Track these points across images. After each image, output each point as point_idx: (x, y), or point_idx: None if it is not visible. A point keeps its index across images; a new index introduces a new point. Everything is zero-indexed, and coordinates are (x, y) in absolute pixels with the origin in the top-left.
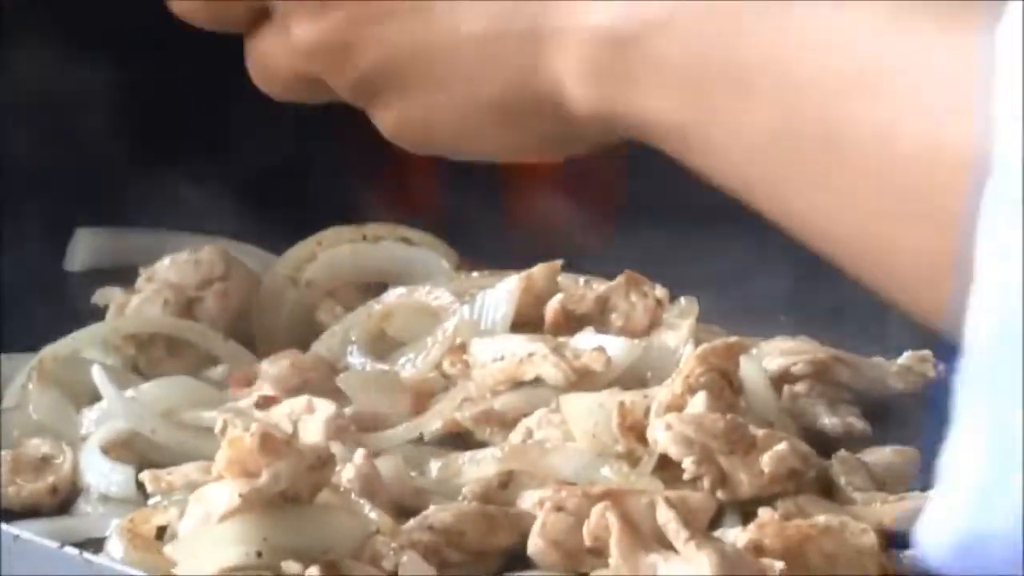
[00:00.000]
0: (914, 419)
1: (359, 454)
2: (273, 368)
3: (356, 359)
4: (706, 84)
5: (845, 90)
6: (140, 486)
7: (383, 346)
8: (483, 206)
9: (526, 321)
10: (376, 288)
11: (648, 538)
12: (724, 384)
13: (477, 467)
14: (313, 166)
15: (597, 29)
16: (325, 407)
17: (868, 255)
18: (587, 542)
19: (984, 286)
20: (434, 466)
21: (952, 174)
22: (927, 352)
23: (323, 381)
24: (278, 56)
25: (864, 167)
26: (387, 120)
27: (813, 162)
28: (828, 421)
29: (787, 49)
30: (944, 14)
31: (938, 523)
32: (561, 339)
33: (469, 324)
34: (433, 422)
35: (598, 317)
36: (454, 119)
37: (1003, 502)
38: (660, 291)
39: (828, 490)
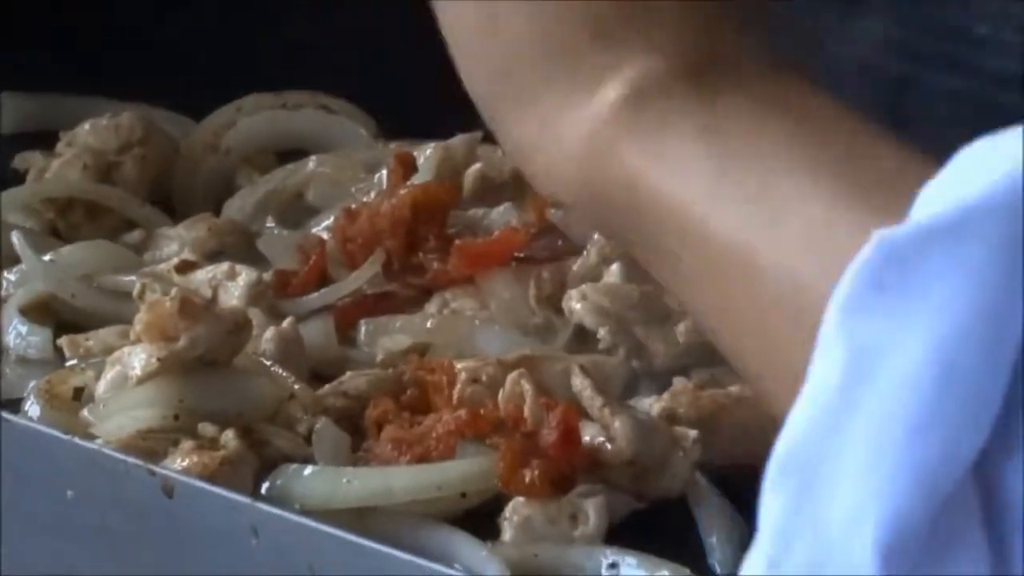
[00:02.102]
0: None
1: (288, 320)
2: (190, 232)
3: (272, 224)
4: (699, 167)
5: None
6: (58, 348)
7: (299, 213)
8: (404, 76)
9: None
10: (295, 156)
11: None
12: None
13: (394, 339)
14: (235, 34)
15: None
16: (247, 273)
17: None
18: (501, 411)
19: (810, 384)
20: (364, 329)
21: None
22: None
23: (240, 245)
24: None
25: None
26: None
27: (732, 264)
28: None
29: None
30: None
31: None
32: (479, 211)
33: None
34: (351, 285)
35: (516, 186)
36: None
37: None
38: None
39: None
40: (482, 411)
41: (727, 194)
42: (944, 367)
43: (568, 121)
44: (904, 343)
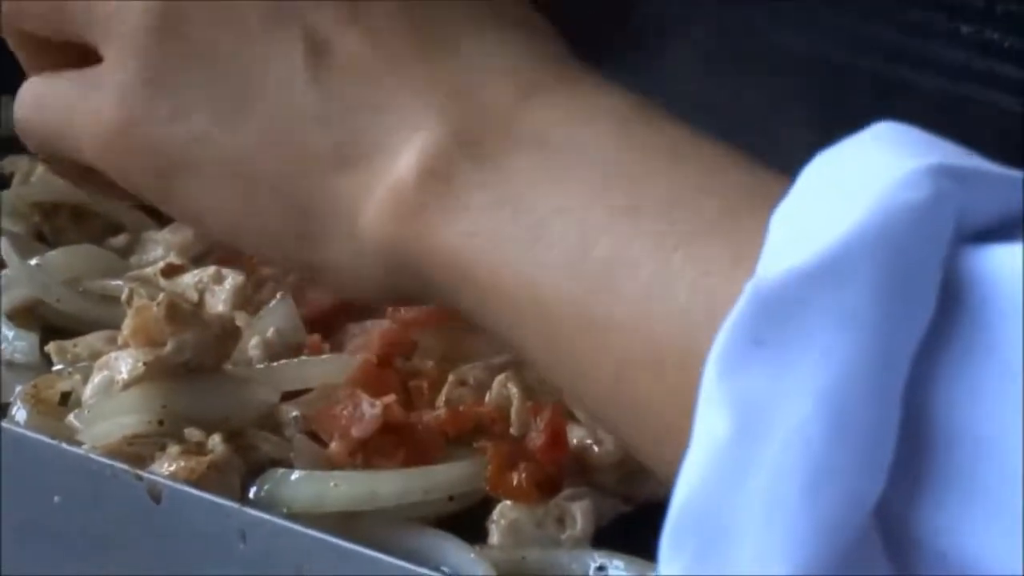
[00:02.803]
0: None
1: (272, 330)
2: (176, 236)
3: None
4: (499, 223)
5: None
6: (45, 353)
7: None
8: None
9: None
10: None
11: None
12: None
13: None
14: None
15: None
16: (234, 277)
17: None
18: (490, 412)
19: (695, 444)
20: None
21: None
22: None
23: (227, 248)
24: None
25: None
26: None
27: (575, 328)
28: None
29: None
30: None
31: None
32: None
33: None
34: None
35: None
36: (228, 225)
37: None
38: None
39: None
40: (461, 407)
41: (547, 261)
42: (833, 418)
43: (364, 226)
44: (790, 398)
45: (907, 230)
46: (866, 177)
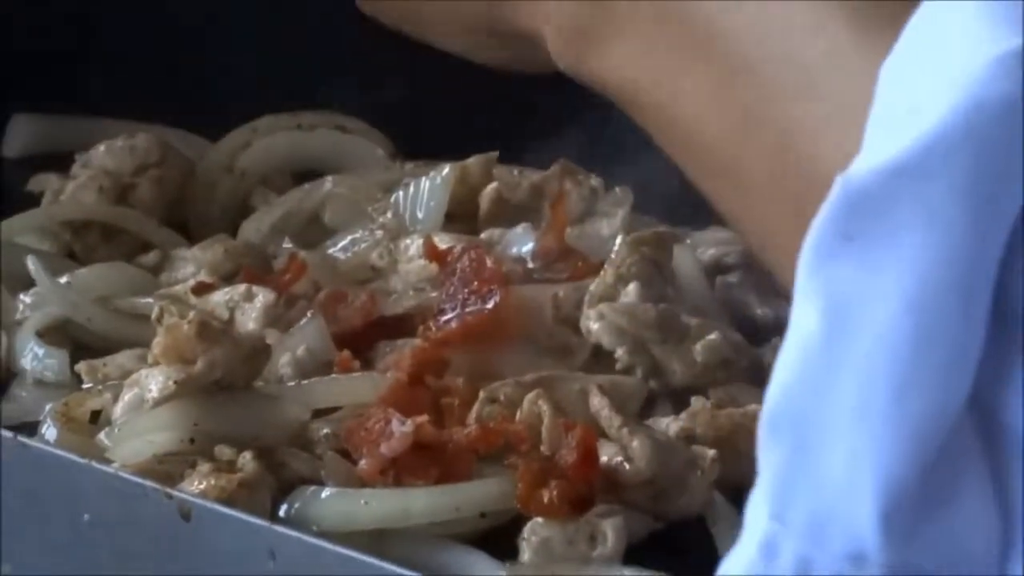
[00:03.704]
0: None
1: (302, 348)
2: (206, 254)
3: (289, 245)
4: (660, 50)
5: (776, 85)
6: (75, 371)
7: (315, 234)
8: (420, 96)
9: (461, 211)
10: (311, 177)
11: None
12: (656, 274)
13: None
14: (250, 54)
15: None
16: (264, 295)
17: (767, 244)
18: (520, 430)
19: (792, 333)
20: (382, 351)
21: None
22: None
23: (256, 267)
24: None
25: (776, 166)
26: None
27: (733, 144)
28: (760, 311)
29: (736, 32)
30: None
31: (730, 571)
32: (496, 232)
33: (401, 216)
34: None
35: (533, 205)
36: (431, 19)
37: (783, 562)
38: (595, 180)
39: (761, 379)
40: (492, 425)
41: (696, 94)
42: (920, 319)
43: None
44: (877, 297)
45: (995, 125)
46: (958, 54)
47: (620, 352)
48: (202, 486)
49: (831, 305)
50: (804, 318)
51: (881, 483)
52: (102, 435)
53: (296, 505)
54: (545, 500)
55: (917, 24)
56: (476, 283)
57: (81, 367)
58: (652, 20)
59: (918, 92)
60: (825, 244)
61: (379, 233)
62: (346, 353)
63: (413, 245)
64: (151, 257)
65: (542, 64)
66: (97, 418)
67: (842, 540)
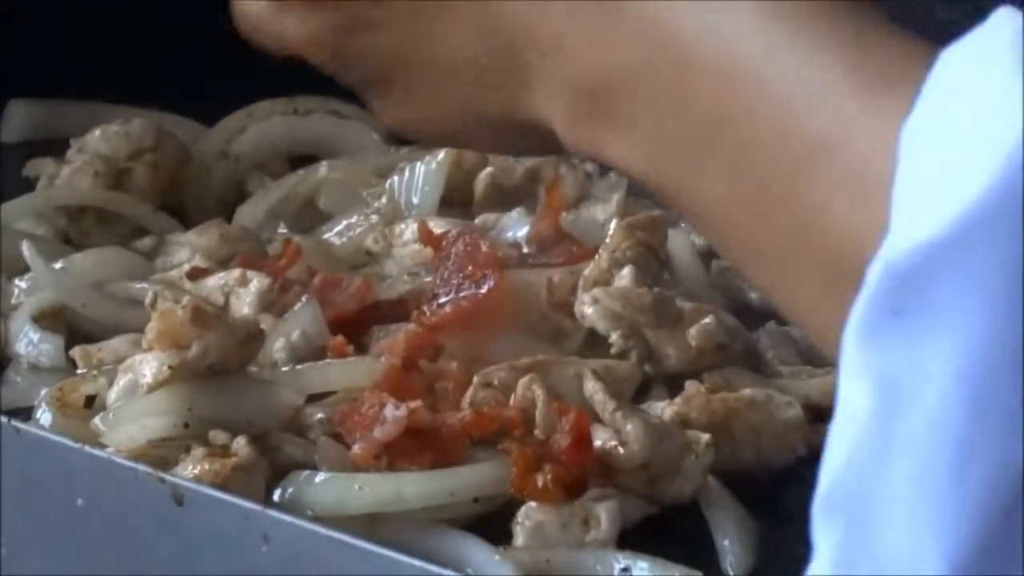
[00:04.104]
0: None
1: (297, 332)
2: (201, 239)
3: (284, 230)
4: (668, 139)
5: (787, 161)
6: (70, 355)
7: (310, 219)
8: None
9: (456, 196)
10: (306, 162)
11: None
12: (651, 258)
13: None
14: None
15: (575, 81)
16: (259, 280)
17: (803, 318)
18: (514, 415)
19: (841, 414)
20: (376, 336)
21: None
22: None
23: (251, 252)
24: (269, 28)
25: (799, 241)
26: (386, 117)
27: (754, 224)
28: (755, 295)
29: (740, 114)
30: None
31: None
32: (491, 216)
33: (396, 201)
34: None
35: (528, 190)
36: (453, 128)
37: None
38: (589, 165)
39: (755, 363)
40: (486, 409)
41: (714, 183)
42: (973, 391)
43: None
44: (928, 371)
45: None
46: (994, 120)
47: (614, 336)
48: (196, 471)
49: (881, 382)
50: (854, 396)
51: (947, 558)
52: (97, 420)
53: (290, 490)
54: (539, 484)
55: (937, 86)
56: (470, 268)
57: (76, 352)
58: (654, 111)
59: (952, 161)
60: (871, 322)
61: (374, 218)
62: (340, 338)
63: (408, 230)
64: (146, 242)
65: (556, 150)
66: (92, 403)
67: None
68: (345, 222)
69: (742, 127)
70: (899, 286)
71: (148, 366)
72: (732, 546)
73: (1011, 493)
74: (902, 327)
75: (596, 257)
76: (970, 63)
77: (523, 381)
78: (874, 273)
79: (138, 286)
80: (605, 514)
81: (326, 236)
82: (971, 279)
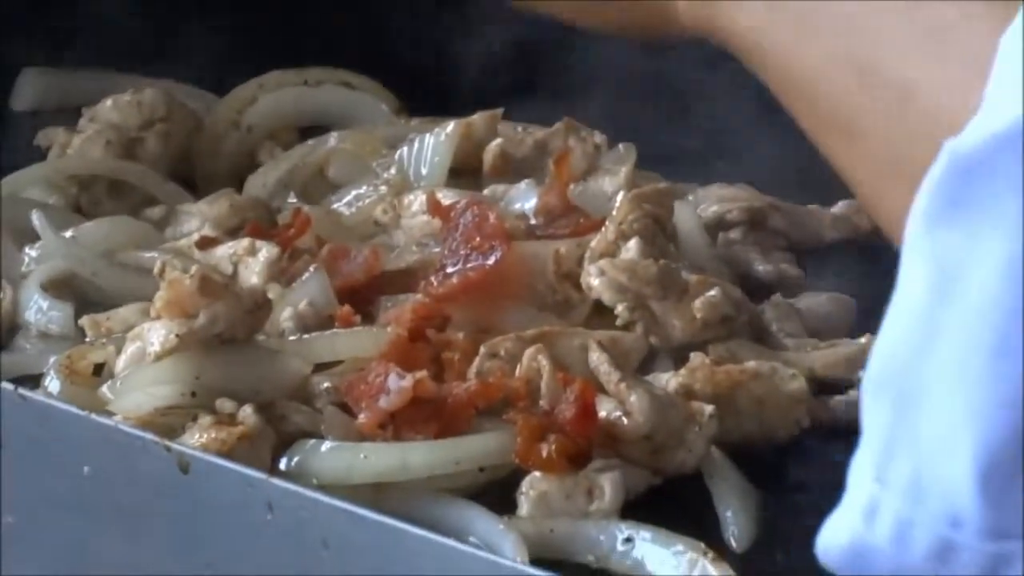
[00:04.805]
0: (850, 269)
1: (304, 302)
2: (212, 209)
3: (294, 200)
4: (787, 8)
5: (899, 45)
6: (79, 324)
7: (320, 188)
8: (425, 52)
9: (465, 167)
10: (316, 132)
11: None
12: (657, 230)
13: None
14: (257, 10)
15: None
16: (267, 249)
17: (878, 201)
18: (519, 385)
19: (898, 296)
20: (384, 305)
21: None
22: None
23: (261, 221)
24: None
25: (893, 124)
26: None
27: (848, 103)
28: (762, 267)
29: None
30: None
31: (833, 532)
32: (499, 188)
33: (405, 172)
34: None
35: (536, 162)
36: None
37: (883, 522)
38: (598, 137)
39: (760, 335)
40: (492, 379)
41: (812, 56)
42: (1016, 287)
43: None
44: (980, 264)
45: None
46: None
47: (620, 308)
48: (203, 439)
49: (937, 270)
50: (911, 283)
51: (979, 445)
52: (105, 388)
53: (296, 458)
54: (543, 454)
55: None
56: (478, 239)
57: (84, 321)
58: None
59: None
60: (933, 210)
61: (383, 188)
62: (347, 308)
63: (416, 201)
64: (156, 211)
65: (658, 25)
66: (100, 371)
67: (940, 501)
68: (354, 192)
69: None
70: (961, 177)
71: (156, 334)
72: (735, 517)
73: None
74: (961, 216)
75: (603, 229)
76: None
77: (529, 352)
78: (939, 164)
79: (148, 255)
80: (609, 485)
81: (335, 206)
82: None
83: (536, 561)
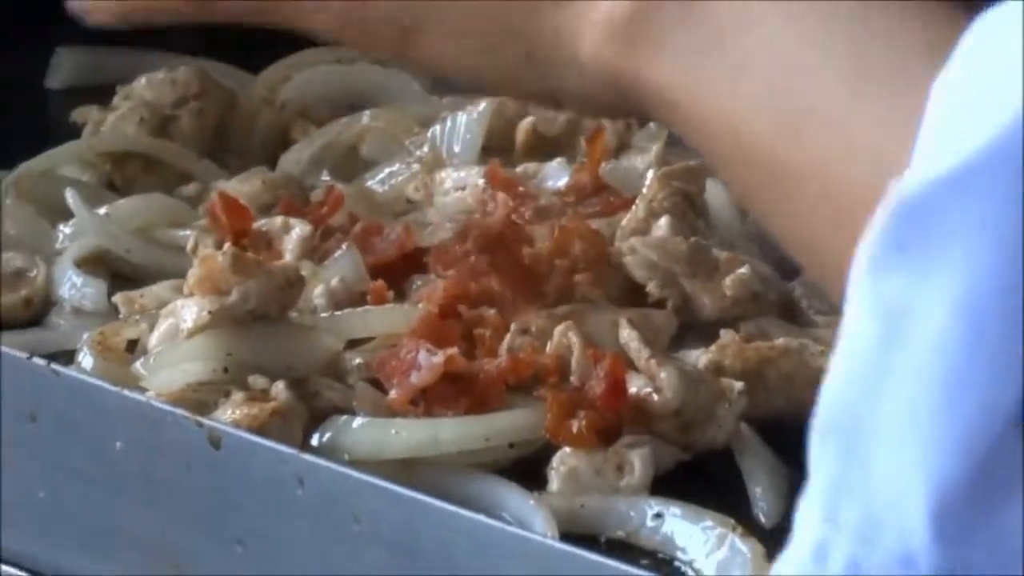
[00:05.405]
0: None
1: (337, 279)
2: (245, 186)
3: (327, 178)
4: (712, 54)
5: (828, 91)
6: (113, 302)
7: (352, 166)
8: None
9: (497, 145)
10: (350, 110)
11: None
12: (688, 207)
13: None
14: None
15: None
16: (301, 227)
17: (814, 255)
18: (549, 361)
19: (844, 343)
20: (417, 282)
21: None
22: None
23: (294, 199)
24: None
25: (827, 172)
26: (417, 68)
27: (782, 148)
28: None
29: (788, 44)
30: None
31: (781, 573)
32: (531, 166)
33: (438, 149)
34: None
35: (568, 140)
36: (469, 67)
37: (835, 563)
38: None
39: (790, 313)
40: (522, 355)
41: (743, 102)
42: (970, 326)
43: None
44: (929, 305)
45: None
46: (1012, 73)
47: (651, 285)
48: (235, 415)
49: (884, 312)
50: (857, 325)
51: (931, 483)
52: (138, 364)
53: (328, 434)
54: (574, 430)
55: (969, 47)
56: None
57: (118, 298)
58: (706, 26)
59: (972, 107)
60: (880, 254)
61: (416, 166)
62: (380, 283)
63: (449, 178)
64: (190, 189)
65: (555, 74)
66: (134, 348)
67: (893, 541)
68: (387, 170)
69: (787, 58)
70: (908, 220)
71: (188, 311)
72: (764, 493)
73: (999, 428)
74: (908, 260)
75: (634, 207)
76: (1001, 25)
77: (559, 328)
78: (886, 207)
79: (181, 233)
80: (639, 460)
81: (368, 184)
82: (977, 213)
83: (566, 536)
